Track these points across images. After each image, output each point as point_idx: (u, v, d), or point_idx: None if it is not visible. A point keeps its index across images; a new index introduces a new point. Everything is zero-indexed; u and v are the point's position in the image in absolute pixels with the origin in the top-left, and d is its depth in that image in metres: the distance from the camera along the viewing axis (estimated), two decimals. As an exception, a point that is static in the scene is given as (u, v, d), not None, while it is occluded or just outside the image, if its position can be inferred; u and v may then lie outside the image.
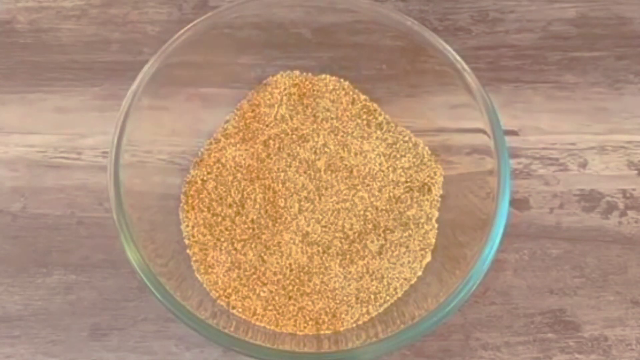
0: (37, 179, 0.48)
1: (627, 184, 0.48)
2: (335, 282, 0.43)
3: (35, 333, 0.44)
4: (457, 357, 0.44)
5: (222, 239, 0.44)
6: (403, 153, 0.47)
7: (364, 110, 0.48)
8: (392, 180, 0.46)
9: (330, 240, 0.44)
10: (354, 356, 0.38)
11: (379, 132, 0.47)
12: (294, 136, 0.47)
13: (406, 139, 0.47)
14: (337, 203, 0.45)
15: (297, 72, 0.49)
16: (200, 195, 0.46)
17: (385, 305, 0.43)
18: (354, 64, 0.48)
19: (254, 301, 0.43)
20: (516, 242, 0.46)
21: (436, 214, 0.45)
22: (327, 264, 0.44)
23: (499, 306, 0.45)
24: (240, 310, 0.43)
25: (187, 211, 0.45)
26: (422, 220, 0.45)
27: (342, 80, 0.48)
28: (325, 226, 0.44)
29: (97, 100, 0.50)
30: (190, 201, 0.46)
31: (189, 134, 0.47)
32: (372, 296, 0.43)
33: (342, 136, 0.47)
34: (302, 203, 0.45)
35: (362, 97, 0.48)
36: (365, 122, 0.47)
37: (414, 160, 0.46)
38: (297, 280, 0.43)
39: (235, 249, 0.44)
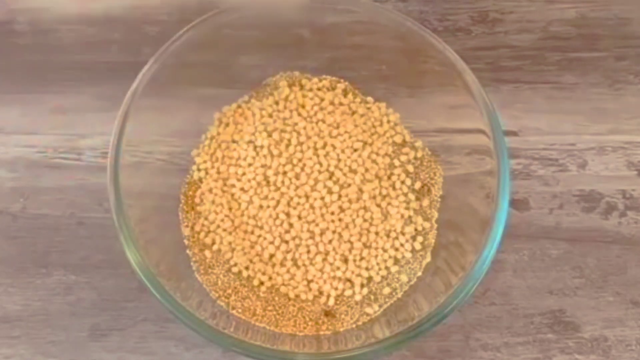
0: (37, 180, 0.48)
1: (626, 185, 0.48)
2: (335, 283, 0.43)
3: (35, 333, 0.44)
4: (457, 358, 0.44)
5: (223, 239, 0.44)
6: (403, 153, 0.47)
7: (364, 110, 0.48)
8: (392, 181, 0.46)
9: (329, 240, 0.44)
10: (354, 357, 0.38)
11: (379, 132, 0.47)
12: (293, 137, 0.47)
13: (406, 139, 0.47)
14: (337, 203, 0.45)
15: (297, 73, 0.49)
16: (200, 196, 0.46)
17: (385, 306, 0.43)
18: (353, 64, 0.48)
19: (254, 302, 0.43)
20: (516, 242, 0.46)
21: (436, 214, 0.45)
22: (326, 265, 0.44)
23: (498, 306, 0.45)
24: (240, 310, 0.43)
25: (187, 211, 0.45)
26: (422, 221, 0.45)
27: (342, 80, 0.48)
28: (325, 227, 0.44)
29: (97, 100, 0.50)
30: (190, 201, 0.46)
31: (189, 134, 0.47)
32: (372, 297, 0.43)
33: (341, 136, 0.47)
34: (303, 204, 0.45)
35: (362, 97, 0.48)
36: (365, 122, 0.47)
37: (414, 160, 0.47)
38: (297, 281, 0.43)
39: (235, 249, 0.44)
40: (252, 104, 0.48)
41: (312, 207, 0.45)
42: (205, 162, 0.46)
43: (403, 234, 0.45)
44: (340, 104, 0.48)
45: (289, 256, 0.44)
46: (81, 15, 0.53)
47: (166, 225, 0.44)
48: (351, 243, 0.44)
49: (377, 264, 0.44)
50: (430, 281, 0.43)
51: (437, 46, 0.43)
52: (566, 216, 0.47)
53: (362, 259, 0.44)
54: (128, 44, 0.52)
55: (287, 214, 0.45)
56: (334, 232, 0.44)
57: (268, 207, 0.45)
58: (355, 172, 0.46)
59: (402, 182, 0.46)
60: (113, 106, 0.42)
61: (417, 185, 0.46)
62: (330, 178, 0.46)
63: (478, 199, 0.42)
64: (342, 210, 0.45)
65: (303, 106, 0.48)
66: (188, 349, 0.44)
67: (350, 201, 0.45)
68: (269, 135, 0.46)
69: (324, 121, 0.47)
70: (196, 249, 0.44)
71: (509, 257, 0.46)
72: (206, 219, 0.45)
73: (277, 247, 0.44)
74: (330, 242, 0.44)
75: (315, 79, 0.48)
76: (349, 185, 0.45)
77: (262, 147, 0.46)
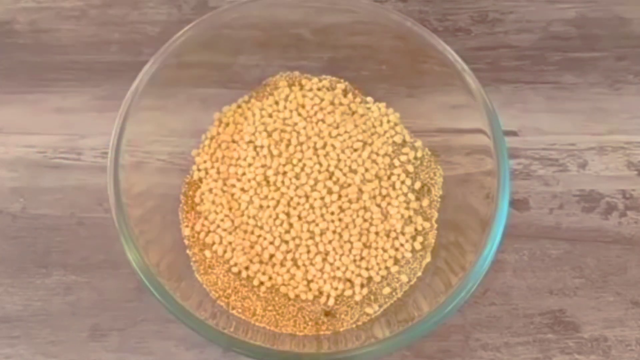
0: (37, 180, 0.48)
1: (626, 185, 0.48)
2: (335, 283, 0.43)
3: (35, 334, 0.44)
4: (457, 358, 0.44)
5: (222, 239, 0.44)
6: (403, 153, 0.47)
7: (364, 110, 0.48)
8: (392, 181, 0.46)
9: (329, 241, 0.44)
10: (354, 357, 0.38)
11: (379, 132, 0.47)
12: (293, 137, 0.47)
13: (406, 139, 0.47)
14: (337, 204, 0.45)
15: (297, 73, 0.49)
16: (201, 196, 0.46)
17: (385, 306, 0.43)
18: (354, 64, 0.48)
19: (254, 302, 0.43)
20: (516, 242, 0.46)
21: (436, 214, 0.45)
22: (326, 265, 0.44)
23: (498, 307, 0.45)
24: (240, 310, 0.43)
25: (187, 211, 0.45)
26: (422, 221, 0.45)
27: (342, 80, 0.48)
28: (325, 227, 0.44)
29: (97, 101, 0.50)
30: (190, 201, 0.46)
31: (189, 134, 0.47)
32: (372, 297, 0.43)
33: (341, 136, 0.47)
34: (303, 204, 0.45)
35: (362, 97, 0.48)
36: (365, 122, 0.47)
37: (414, 160, 0.47)
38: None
39: (235, 249, 0.44)
40: (252, 104, 0.48)
41: (312, 207, 0.45)
42: (205, 162, 0.46)
43: (403, 234, 0.45)
44: (340, 104, 0.48)
45: (289, 256, 0.44)
46: (81, 15, 0.53)
47: (166, 225, 0.44)
48: (351, 243, 0.44)
49: (377, 264, 0.44)
50: (430, 281, 0.43)
51: (437, 46, 0.43)
52: (566, 216, 0.47)
53: (362, 259, 0.44)
54: (128, 44, 0.52)
55: (287, 214, 0.45)
56: (334, 232, 0.44)
57: (268, 207, 0.45)
58: (355, 172, 0.46)
59: (402, 182, 0.46)
60: (113, 106, 0.42)
61: (417, 185, 0.46)
62: (330, 178, 0.46)
63: (478, 199, 0.42)
64: (342, 210, 0.45)
65: (303, 106, 0.47)
66: (188, 349, 0.44)
67: (350, 201, 0.45)
68: (269, 135, 0.46)
69: (323, 121, 0.47)
70: (196, 249, 0.44)
71: (509, 257, 0.46)
72: (206, 219, 0.45)
73: (277, 247, 0.44)
74: (330, 242, 0.44)
75: (315, 79, 0.48)
76: (349, 185, 0.45)
77: (262, 147, 0.46)
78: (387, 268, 0.44)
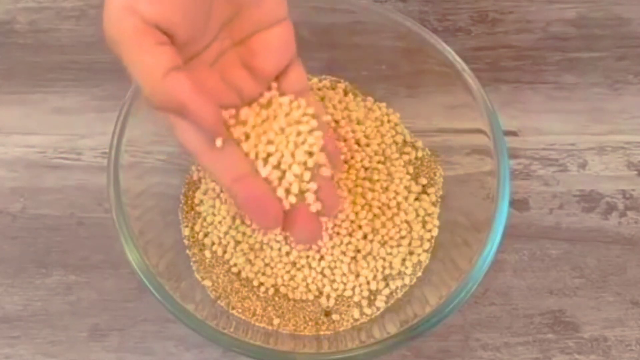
0: (37, 180, 0.48)
1: (626, 185, 0.48)
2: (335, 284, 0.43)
3: (35, 333, 0.44)
4: (457, 358, 0.44)
5: (222, 239, 0.44)
6: (404, 153, 0.47)
7: (364, 111, 0.48)
8: (392, 181, 0.46)
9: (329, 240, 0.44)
10: (354, 357, 0.38)
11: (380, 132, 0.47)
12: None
13: (407, 139, 0.47)
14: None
15: (296, 73, 0.48)
16: (200, 196, 0.46)
17: (385, 306, 0.43)
18: (353, 64, 0.48)
19: (254, 302, 0.43)
20: (516, 242, 0.46)
21: (436, 214, 0.45)
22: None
23: (498, 307, 0.45)
24: (240, 310, 0.43)
25: (187, 211, 0.45)
26: (422, 221, 0.45)
27: (342, 80, 0.48)
28: (325, 227, 0.44)
29: (97, 101, 0.50)
30: (189, 202, 0.46)
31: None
32: (372, 297, 0.43)
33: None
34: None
35: (362, 97, 0.48)
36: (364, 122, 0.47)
37: (414, 160, 0.46)
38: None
39: (235, 250, 0.44)
40: (252, 104, 0.48)
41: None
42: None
43: (403, 234, 0.45)
44: (340, 103, 0.48)
45: (289, 258, 0.44)
46: (81, 15, 0.53)
47: (166, 225, 0.44)
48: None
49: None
50: (430, 281, 0.43)
51: (436, 46, 0.43)
52: (566, 216, 0.47)
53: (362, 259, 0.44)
54: (128, 44, 0.52)
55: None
56: (338, 233, 0.44)
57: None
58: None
59: (403, 182, 0.46)
60: (113, 106, 0.42)
61: (417, 184, 0.46)
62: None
63: (478, 199, 0.42)
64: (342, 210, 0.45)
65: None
66: (188, 349, 0.44)
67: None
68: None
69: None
70: (196, 249, 0.44)
71: (509, 257, 0.46)
72: (205, 219, 0.45)
73: (278, 248, 0.44)
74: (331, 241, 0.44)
75: (315, 79, 0.48)
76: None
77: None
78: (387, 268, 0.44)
